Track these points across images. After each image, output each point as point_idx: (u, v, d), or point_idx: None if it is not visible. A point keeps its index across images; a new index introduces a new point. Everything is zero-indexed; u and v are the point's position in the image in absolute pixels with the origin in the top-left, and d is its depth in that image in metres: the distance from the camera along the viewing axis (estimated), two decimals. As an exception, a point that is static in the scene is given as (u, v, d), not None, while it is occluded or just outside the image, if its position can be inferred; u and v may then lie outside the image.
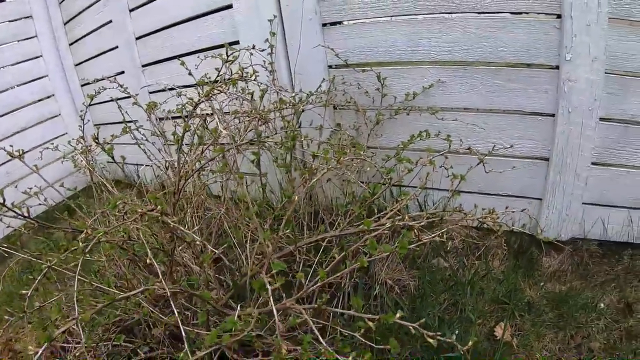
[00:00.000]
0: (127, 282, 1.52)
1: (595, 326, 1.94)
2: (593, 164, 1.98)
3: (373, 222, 1.02)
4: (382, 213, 1.32)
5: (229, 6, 2.24)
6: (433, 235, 1.09)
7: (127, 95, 2.11)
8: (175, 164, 1.33)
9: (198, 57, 2.03)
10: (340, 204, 1.87)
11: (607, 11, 1.68)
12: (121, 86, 2.06)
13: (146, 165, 1.97)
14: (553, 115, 1.92)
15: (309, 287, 0.88)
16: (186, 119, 1.33)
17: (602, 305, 2.02)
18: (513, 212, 1.74)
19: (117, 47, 3.08)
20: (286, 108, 1.85)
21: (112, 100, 2.30)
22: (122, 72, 3.09)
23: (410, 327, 0.81)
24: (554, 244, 2.20)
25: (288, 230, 1.16)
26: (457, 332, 1.85)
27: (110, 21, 3.03)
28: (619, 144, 1.92)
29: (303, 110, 1.92)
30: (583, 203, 2.07)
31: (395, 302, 1.97)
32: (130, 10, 2.82)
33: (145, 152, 2.10)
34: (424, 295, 1.97)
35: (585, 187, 2.01)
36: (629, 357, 1.81)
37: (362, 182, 1.78)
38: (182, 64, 1.96)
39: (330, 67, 2.14)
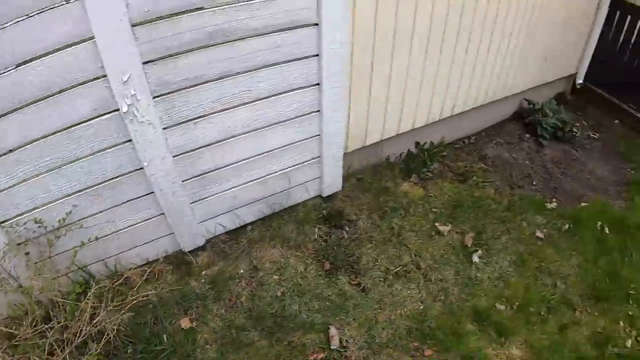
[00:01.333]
0: None
1: (239, 285, 3.12)
2: (193, 202, 2.96)
3: None
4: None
5: None
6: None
7: None
8: None
9: None
10: None
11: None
12: None
13: None
14: (153, 192, 2.74)
15: None
16: None
17: (241, 270, 3.20)
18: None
19: None
20: None
21: None
22: None
23: None
24: (197, 249, 3.24)
25: None
26: (165, 337, 2.70)
27: None
28: (203, 188, 2.93)
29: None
30: (199, 222, 3.09)
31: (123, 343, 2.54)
32: None
33: None
34: (136, 327, 2.61)
35: (194, 218, 3.01)
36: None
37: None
38: None
39: None
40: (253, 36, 2.47)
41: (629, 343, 3.17)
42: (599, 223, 3.84)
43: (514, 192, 3.89)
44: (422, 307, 2.90)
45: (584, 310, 3.24)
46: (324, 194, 3.52)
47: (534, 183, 4.05)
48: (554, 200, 3.94)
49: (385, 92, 3.42)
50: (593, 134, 5.01)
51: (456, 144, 4.29)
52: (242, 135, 2.85)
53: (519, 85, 4.47)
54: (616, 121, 5.48)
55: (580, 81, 5.39)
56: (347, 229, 3.24)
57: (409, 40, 3.25)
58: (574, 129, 4.55)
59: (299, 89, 2.84)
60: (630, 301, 3.41)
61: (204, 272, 3.17)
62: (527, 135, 4.58)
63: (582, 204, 3.98)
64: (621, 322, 3.27)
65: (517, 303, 3.13)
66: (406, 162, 3.76)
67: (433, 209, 3.55)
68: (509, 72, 4.16)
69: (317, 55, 2.73)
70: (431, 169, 3.75)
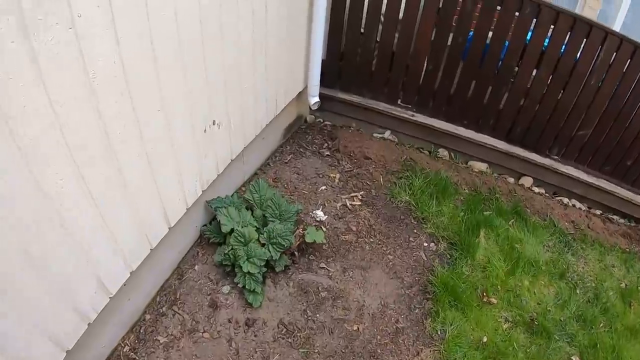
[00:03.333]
0: None
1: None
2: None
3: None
4: None
5: None
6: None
7: None
8: None
9: None
10: None
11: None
12: None
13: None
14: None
15: None
16: None
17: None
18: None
19: None
20: None
21: None
22: None
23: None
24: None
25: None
26: None
27: None
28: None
29: None
30: None
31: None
32: None
33: None
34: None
35: None
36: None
37: None
38: None
39: None
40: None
41: None
42: None
43: None
44: None
45: None
46: None
47: None
48: None
49: None
50: (353, 198, 2.88)
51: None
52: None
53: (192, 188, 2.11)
54: (385, 133, 3.46)
55: (316, 100, 3.16)
56: None
57: None
58: (306, 237, 2.36)
59: None
60: None
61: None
62: (226, 291, 2.27)
63: None
64: None
65: None
66: None
67: None
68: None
69: None
70: None
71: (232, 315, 2.18)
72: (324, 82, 3.27)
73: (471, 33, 3.19)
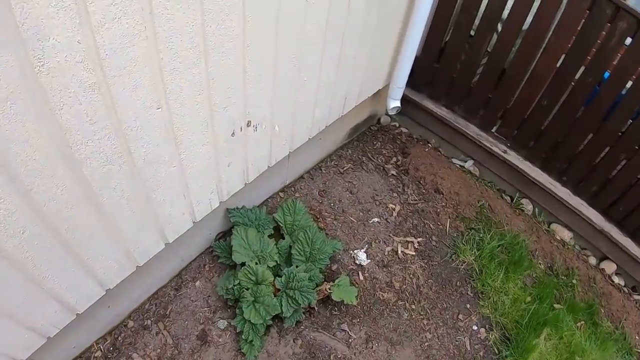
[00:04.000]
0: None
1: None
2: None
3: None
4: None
5: None
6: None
7: None
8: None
9: None
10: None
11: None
12: None
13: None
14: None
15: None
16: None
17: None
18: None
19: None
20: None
21: None
22: None
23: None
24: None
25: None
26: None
27: None
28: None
29: None
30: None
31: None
32: None
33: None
34: None
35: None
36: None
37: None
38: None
39: None
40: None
41: None
42: None
43: None
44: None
45: None
46: None
47: None
48: None
49: None
50: (407, 244, 2.35)
51: None
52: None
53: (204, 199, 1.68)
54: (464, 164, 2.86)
55: (396, 104, 2.57)
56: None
57: None
58: (332, 295, 1.88)
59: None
60: None
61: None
62: (221, 326, 1.87)
63: None
64: None
65: None
66: None
67: None
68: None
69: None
70: None
71: (220, 357, 1.77)
72: (410, 82, 2.65)
73: (606, 75, 2.46)
